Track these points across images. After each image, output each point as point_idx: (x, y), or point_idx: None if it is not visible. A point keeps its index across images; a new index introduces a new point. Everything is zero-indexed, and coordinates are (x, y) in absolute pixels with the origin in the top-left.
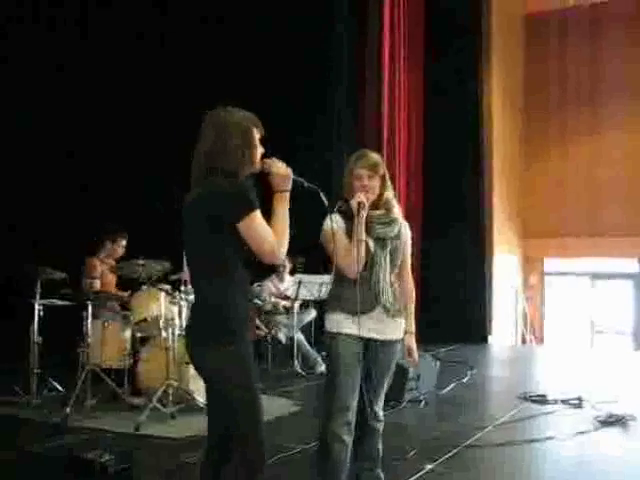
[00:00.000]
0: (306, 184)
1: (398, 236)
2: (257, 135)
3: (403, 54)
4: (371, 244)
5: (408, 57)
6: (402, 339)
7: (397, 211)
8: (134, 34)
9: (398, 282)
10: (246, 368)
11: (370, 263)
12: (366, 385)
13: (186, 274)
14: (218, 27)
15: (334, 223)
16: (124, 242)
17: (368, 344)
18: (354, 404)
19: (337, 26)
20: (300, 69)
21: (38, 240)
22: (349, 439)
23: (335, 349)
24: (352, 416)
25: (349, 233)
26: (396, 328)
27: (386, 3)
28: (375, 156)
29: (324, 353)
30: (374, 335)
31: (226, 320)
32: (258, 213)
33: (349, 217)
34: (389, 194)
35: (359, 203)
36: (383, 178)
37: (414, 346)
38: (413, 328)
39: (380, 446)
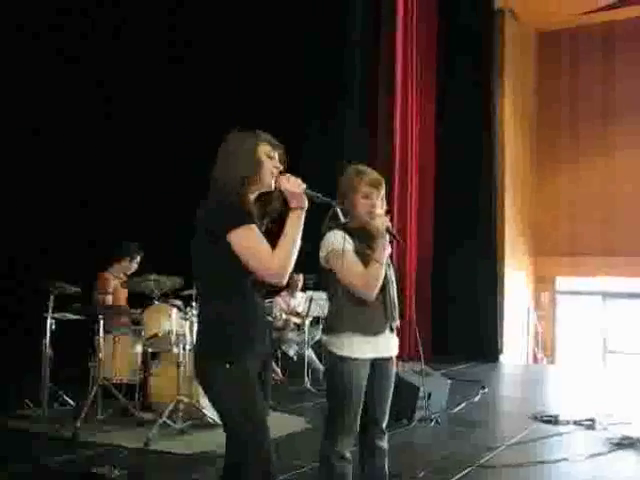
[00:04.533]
0: (320, 198)
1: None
2: (268, 152)
3: (416, 71)
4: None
5: (421, 74)
6: None
7: None
8: (147, 50)
9: None
10: (245, 387)
11: (382, 283)
12: (373, 404)
13: None
14: (232, 43)
15: (343, 241)
16: (139, 258)
17: (376, 363)
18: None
19: (351, 42)
20: (313, 86)
21: (51, 254)
22: (351, 458)
23: (347, 372)
24: (355, 437)
25: (357, 252)
26: (396, 344)
27: (399, 20)
28: (378, 174)
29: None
30: (384, 354)
31: (225, 338)
32: (250, 228)
33: (354, 235)
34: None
35: (387, 228)
36: (383, 197)
37: None
38: None
39: (387, 465)
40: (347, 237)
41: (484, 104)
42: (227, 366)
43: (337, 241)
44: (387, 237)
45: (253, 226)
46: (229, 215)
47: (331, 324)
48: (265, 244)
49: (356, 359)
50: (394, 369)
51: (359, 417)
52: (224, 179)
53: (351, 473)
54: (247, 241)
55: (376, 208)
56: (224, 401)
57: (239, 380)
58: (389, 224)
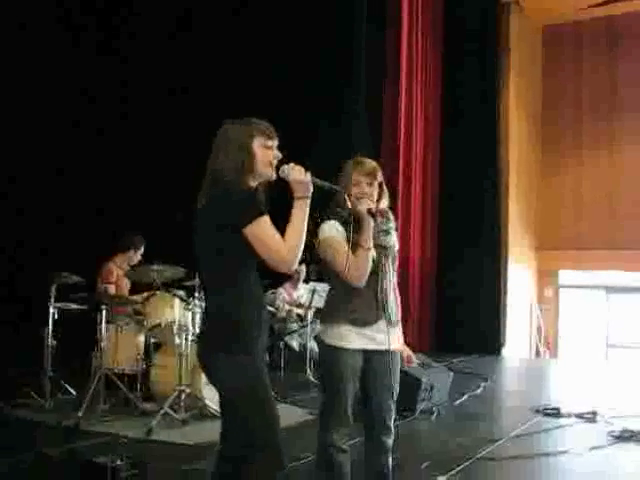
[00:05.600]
0: (327, 186)
1: (394, 245)
2: (263, 143)
3: (421, 68)
4: (374, 253)
5: (426, 71)
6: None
7: (393, 220)
8: (153, 46)
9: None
10: (255, 377)
11: (375, 272)
12: (374, 399)
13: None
14: (240, 41)
15: (334, 230)
16: (143, 249)
17: (371, 356)
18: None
19: (356, 39)
20: (318, 81)
21: (54, 244)
22: (348, 449)
23: (337, 363)
24: (350, 427)
25: (348, 241)
26: (396, 338)
27: (404, 17)
28: (373, 163)
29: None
30: (379, 347)
31: (236, 329)
32: (264, 219)
33: (348, 224)
34: (385, 202)
35: (369, 210)
36: (380, 186)
37: (411, 352)
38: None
39: (390, 461)
40: (339, 226)
41: (489, 101)
42: (240, 358)
43: (327, 230)
44: (371, 221)
45: (267, 217)
46: (243, 208)
47: (324, 314)
48: (278, 234)
49: (344, 349)
50: (397, 363)
51: (350, 409)
52: (224, 171)
53: (348, 464)
54: (263, 233)
55: (366, 195)
56: (238, 391)
57: (251, 371)
58: (370, 206)
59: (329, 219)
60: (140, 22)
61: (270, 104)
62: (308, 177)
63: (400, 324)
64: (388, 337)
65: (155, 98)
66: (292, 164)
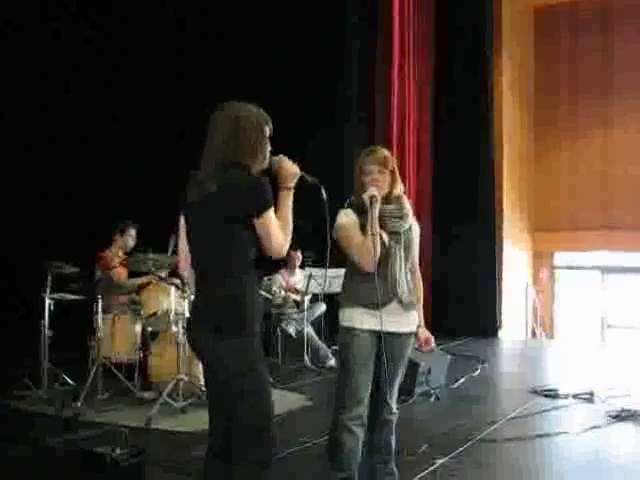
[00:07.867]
0: (309, 179)
1: (410, 230)
2: (268, 132)
3: (413, 52)
4: (386, 238)
5: (418, 55)
6: (415, 332)
7: (408, 206)
8: (146, 30)
9: (411, 275)
10: (256, 361)
11: (386, 257)
12: (380, 378)
13: (183, 266)
14: (232, 32)
15: (347, 217)
16: (133, 232)
17: (383, 337)
18: (367, 398)
19: (349, 21)
20: (312, 72)
21: (49, 234)
22: (360, 432)
23: (350, 343)
24: (364, 409)
25: (362, 227)
26: (410, 321)
27: (395, 4)
28: (384, 151)
29: (334, 347)
30: (390, 329)
31: (243, 313)
32: (272, 209)
33: (361, 212)
34: (399, 189)
35: (371, 197)
36: (393, 173)
37: (430, 335)
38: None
39: (394, 439)
40: (352, 213)
41: (482, 83)
42: (244, 341)
43: (341, 218)
44: (375, 207)
45: (273, 207)
46: (262, 197)
47: (340, 297)
48: (277, 223)
49: (355, 330)
50: (407, 346)
51: (366, 390)
52: (239, 157)
53: (354, 445)
54: (271, 222)
55: (378, 184)
56: (239, 374)
57: (253, 354)
58: (373, 194)
59: (345, 207)
60: (137, 13)
61: (265, 100)
62: (297, 169)
63: (420, 307)
64: (400, 320)
65: (151, 88)
66: (281, 155)
